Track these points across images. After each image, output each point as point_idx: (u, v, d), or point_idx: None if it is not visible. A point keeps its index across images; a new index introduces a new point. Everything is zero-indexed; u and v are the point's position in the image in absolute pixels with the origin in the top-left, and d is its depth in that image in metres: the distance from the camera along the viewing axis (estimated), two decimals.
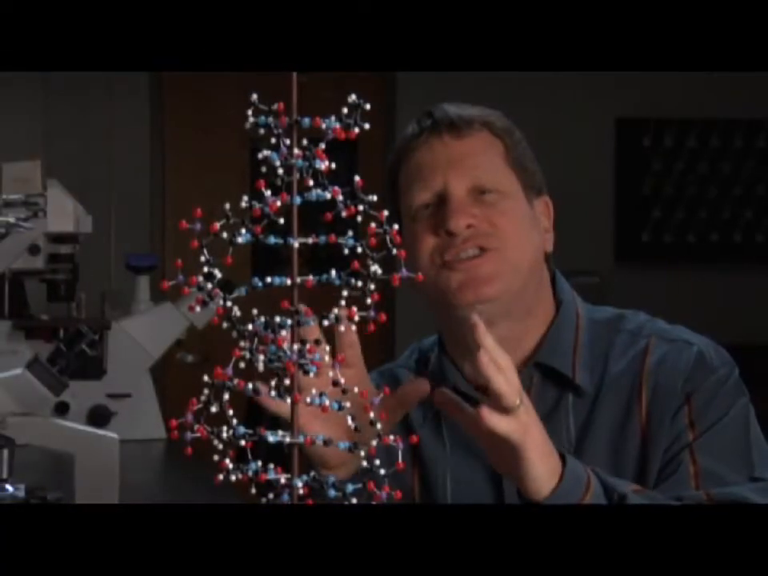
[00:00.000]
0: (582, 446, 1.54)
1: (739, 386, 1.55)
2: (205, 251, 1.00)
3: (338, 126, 1.00)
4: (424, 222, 1.57)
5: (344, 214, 1.01)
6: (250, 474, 1.01)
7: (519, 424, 1.33)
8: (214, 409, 1.02)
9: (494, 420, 1.31)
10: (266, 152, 1.00)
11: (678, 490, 1.46)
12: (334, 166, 1.00)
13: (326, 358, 1.05)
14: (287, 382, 1.01)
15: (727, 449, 1.50)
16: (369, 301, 1.00)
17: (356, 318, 1.00)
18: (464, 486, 1.59)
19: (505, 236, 1.55)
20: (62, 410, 2.98)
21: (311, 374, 1.01)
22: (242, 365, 1.01)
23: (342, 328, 1.04)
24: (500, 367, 1.32)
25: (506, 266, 1.54)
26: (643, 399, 1.54)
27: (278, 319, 1.00)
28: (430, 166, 1.58)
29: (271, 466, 1.02)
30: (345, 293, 1.01)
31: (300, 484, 1.01)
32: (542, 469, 1.35)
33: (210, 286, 1.00)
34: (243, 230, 1.00)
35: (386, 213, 1.00)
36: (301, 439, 1.02)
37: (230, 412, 1.02)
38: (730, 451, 1.50)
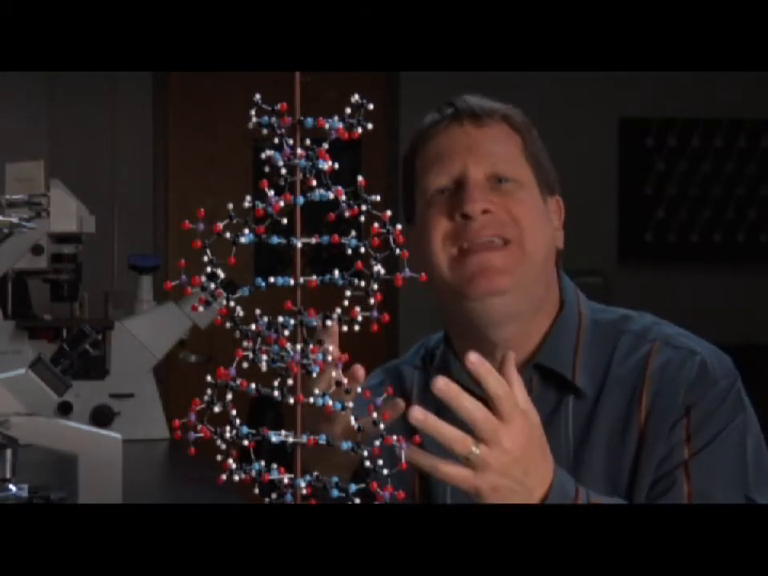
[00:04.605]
0: (580, 449, 1.52)
1: (739, 399, 1.52)
2: (208, 251, 1.00)
3: (340, 126, 1.00)
4: (439, 207, 1.55)
5: (347, 214, 1.01)
6: (254, 474, 1.01)
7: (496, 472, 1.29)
8: (217, 409, 1.02)
9: (454, 474, 1.28)
10: (269, 152, 1.00)
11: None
12: (336, 166, 1.00)
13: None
14: (290, 382, 1.01)
15: (722, 468, 1.47)
16: (372, 301, 1.00)
17: (359, 318, 1.00)
18: None
19: (522, 226, 1.53)
20: (65, 410, 2.98)
21: (314, 374, 1.01)
22: (245, 365, 1.01)
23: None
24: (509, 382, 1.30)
25: (521, 257, 1.53)
26: (643, 406, 1.51)
27: (280, 319, 1.00)
28: (449, 152, 1.56)
29: (274, 466, 1.02)
30: (348, 293, 1.01)
31: (303, 484, 1.01)
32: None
33: (213, 286, 1.00)
34: (246, 230, 1.00)
35: (388, 213, 1.00)
36: (304, 439, 1.02)
37: (233, 412, 1.02)
38: (726, 470, 1.47)
